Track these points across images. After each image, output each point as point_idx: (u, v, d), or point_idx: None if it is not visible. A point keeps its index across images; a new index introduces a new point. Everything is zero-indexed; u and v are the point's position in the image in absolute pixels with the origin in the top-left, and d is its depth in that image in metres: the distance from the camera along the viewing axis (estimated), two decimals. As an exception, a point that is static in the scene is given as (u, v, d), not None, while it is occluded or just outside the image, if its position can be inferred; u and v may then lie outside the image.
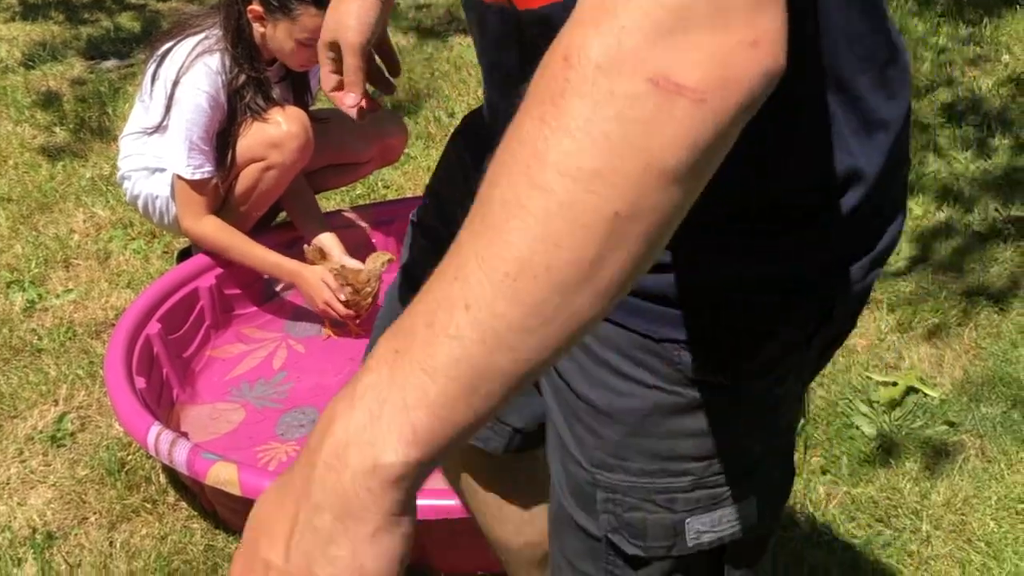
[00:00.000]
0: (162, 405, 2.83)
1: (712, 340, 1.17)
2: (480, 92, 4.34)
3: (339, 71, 1.50)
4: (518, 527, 1.77)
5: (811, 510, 2.56)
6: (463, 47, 4.70)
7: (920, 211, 3.52)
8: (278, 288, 3.27)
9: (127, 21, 5.04)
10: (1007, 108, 4.02)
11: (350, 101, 1.49)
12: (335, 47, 1.49)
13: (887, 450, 2.70)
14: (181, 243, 3.49)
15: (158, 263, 3.46)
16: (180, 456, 2.43)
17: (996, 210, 3.51)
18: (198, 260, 3.15)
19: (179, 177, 3.04)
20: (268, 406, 2.92)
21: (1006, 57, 4.33)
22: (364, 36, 1.47)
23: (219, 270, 3.14)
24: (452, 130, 4.01)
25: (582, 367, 1.21)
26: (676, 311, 1.16)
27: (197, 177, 3.02)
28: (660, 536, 1.24)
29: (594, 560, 1.29)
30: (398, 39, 4.76)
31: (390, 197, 3.71)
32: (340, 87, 1.50)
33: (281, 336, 3.16)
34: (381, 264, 3.08)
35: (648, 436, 1.21)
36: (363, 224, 3.37)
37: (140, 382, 2.73)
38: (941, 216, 3.50)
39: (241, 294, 3.20)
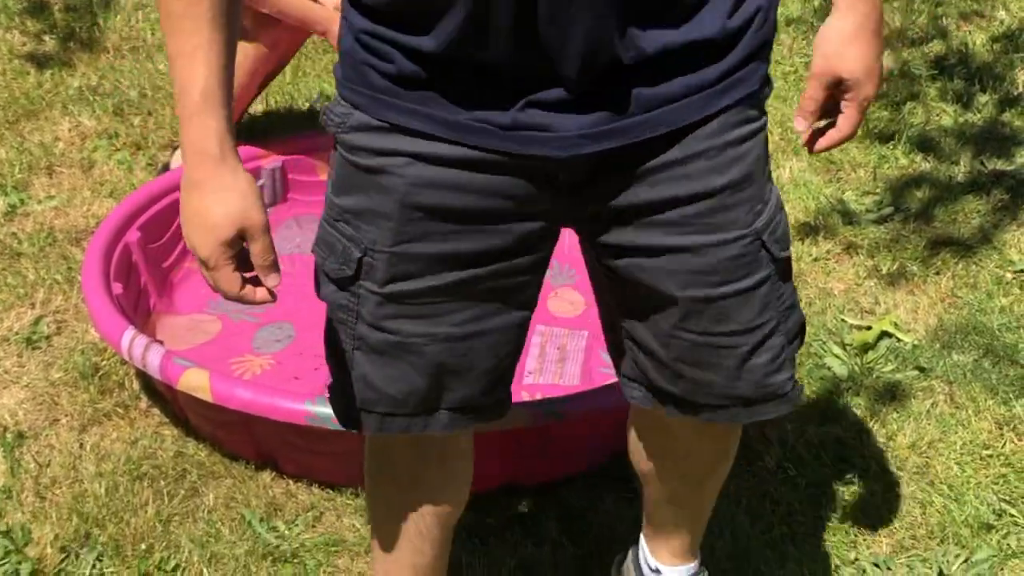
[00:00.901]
0: (139, 312, 2.84)
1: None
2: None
3: (242, 267, 1.47)
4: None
5: (779, 447, 2.57)
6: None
7: (905, 160, 3.52)
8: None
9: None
10: (996, 63, 4.00)
11: (273, 282, 1.50)
12: (237, 240, 1.44)
13: (856, 392, 2.72)
14: (165, 156, 3.48)
15: (142, 174, 3.45)
16: (153, 361, 2.44)
17: (981, 163, 3.51)
18: (179, 172, 3.13)
19: None
20: (245, 319, 2.92)
21: (1002, 13, 4.30)
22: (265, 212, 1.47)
23: (202, 183, 3.13)
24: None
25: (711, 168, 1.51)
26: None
27: None
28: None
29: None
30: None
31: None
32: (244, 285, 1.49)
33: (261, 252, 3.16)
34: None
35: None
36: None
37: (117, 288, 2.73)
38: (925, 166, 3.50)
39: (223, 208, 3.18)
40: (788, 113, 3.74)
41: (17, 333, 2.87)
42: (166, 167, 3.33)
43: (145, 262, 2.93)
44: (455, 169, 1.46)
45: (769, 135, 3.61)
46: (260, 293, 1.49)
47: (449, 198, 1.48)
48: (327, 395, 1.78)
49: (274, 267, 1.47)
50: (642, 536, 2.12)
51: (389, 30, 1.42)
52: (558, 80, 1.39)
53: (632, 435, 1.96)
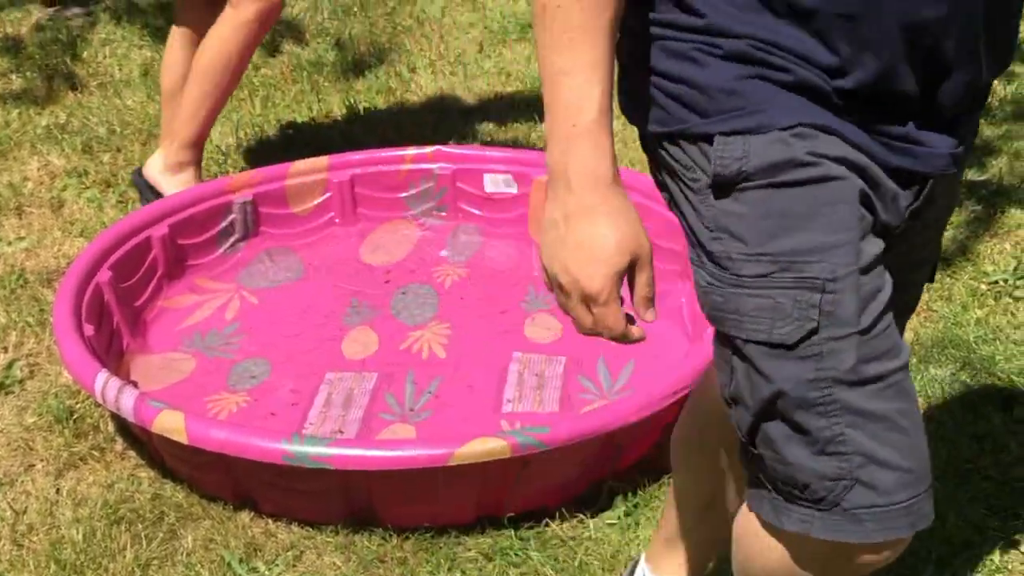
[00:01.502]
0: (112, 354, 2.81)
1: None
2: (442, 48, 4.34)
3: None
4: None
5: (758, 468, 2.56)
6: (426, 2, 4.65)
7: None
8: (233, 238, 3.23)
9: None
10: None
11: (652, 316, 1.37)
12: (627, 270, 1.33)
13: (835, 410, 2.71)
14: (135, 194, 3.46)
15: (112, 212, 3.42)
16: (127, 404, 2.42)
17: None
18: (151, 209, 3.11)
19: None
20: (220, 356, 2.90)
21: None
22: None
23: (173, 219, 3.11)
24: (412, 85, 3.97)
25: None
26: None
27: None
28: None
29: None
30: (361, -7, 4.73)
31: (348, 151, 3.65)
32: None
33: (235, 287, 3.13)
34: None
35: None
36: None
37: (89, 329, 2.71)
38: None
39: (195, 244, 3.16)
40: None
41: (-11, 378, 2.85)
42: (151, 189, 3.31)
43: (117, 302, 2.90)
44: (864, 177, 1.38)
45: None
46: (638, 330, 1.37)
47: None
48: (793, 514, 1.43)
49: (653, 300, 1.37)
50: (646, 556, 2.09)
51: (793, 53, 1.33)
52: (936, 107, 1.38)
53: (697, 418, 1.89)
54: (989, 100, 3.79)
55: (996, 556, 2.35)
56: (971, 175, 3.49)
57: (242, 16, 3.24)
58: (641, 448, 2.55)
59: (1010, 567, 2.33)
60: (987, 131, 3.71)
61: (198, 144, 3.37)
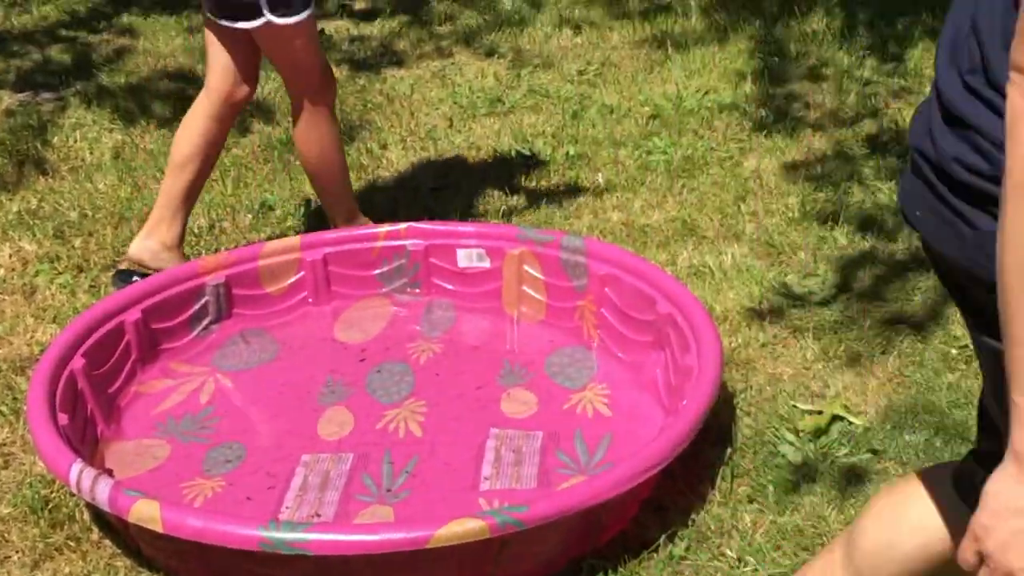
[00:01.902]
0: (86, 442, 2.79)
1: None
2: (412, 124, 4.36)
3: None
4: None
5: (738, 538, 2.55)
6: (395, 79, 4.68)
7: (845, 240, 3.54)
8: (206, 320, 3.22)
9: (58, 54, 4.98)
10: (929, 139, 4.06)
11: None
12: None
13: (812, 478, 2.70)
14: (107, 277, 3.45)
15: (84, 297, 3.40)
16: (102, 493, 2.40)
17: (919, 241, 3.53)
18: (123, 294, 3.10)
19: None
20: (194, 441, 2.87)
21: (928, 89, 4.37)
22: None
23: (145, 304, 3.10)
24: (383, 161, 3.96)
25: None
26: None
27: None
28: None
29: None
30: (338, 67, 4.73)
31: (320, 230, 3.65)
32: None
33: (209, 370, 3.12)
34: None
35: None
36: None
37: (63, 419, 2.68)
38: (865, 245, 3.52)
39: (168, 328, 3.15)
40: (726, 199, 3.76)
41: (-37, 469, 2.82)
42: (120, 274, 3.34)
43: (91, 389, 2.88)
44: None
45: (709, 221, 3.66)
46: None
47: None
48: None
49: None
50: None
51: None
52: None
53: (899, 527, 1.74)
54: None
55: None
56: (938, 239, 3.52)
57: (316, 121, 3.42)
58: (620, 523, 2.55)
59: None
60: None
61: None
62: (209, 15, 3.28)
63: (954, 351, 3.07)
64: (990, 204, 1.31)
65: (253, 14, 3.18)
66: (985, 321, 1.38)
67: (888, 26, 4.86)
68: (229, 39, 3.29)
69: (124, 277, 3.41)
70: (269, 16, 3.16)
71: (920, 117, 1.54)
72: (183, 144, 3.39)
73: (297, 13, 3.18)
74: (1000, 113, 1.28)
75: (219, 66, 3.36)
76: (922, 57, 4.61)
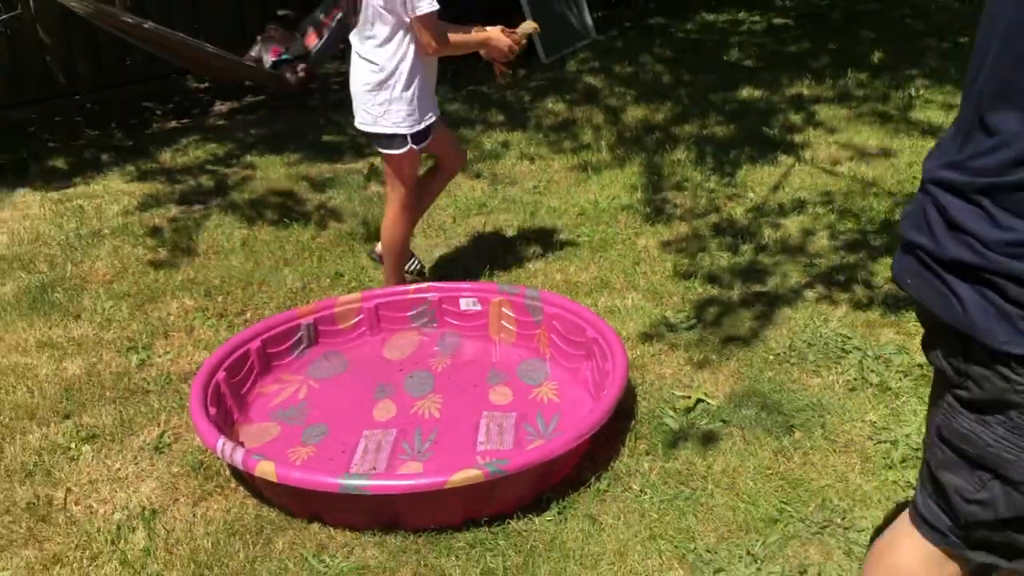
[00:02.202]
0: (227, 424, 2.77)
1: None
2: (429, 220, 4.37)
3: None
4: None
5: (640, 477, 2.55)
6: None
7: (701, 289, 3.55)
8: (302, 347, 3.21)
9: (205, 181, 4.98)
10: (751, 225, 4.09)
11: None
12: None
13: (686, 438, 2.71)
14: (240, 320, 3.44)
15: (224, 333, 3.39)
16: (238, 458, 2.39)
17: (747, 288, 3.56)
18: (249, 331, 3.08)
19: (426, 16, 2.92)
20: (296, 423, 2.86)
21: (751, 194, 4.42)
22: None
23: (263, 336, 3.08)
24: (412, 245, 3.90)
25: None
26: None
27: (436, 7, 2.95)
28: None
29: None
30: (376, 189, 4.75)
31: (373, 288, 3.65)
32: None
33: (304, 378, 3.10)
34: (530, 29, 3.30)
35: None
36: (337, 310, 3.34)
37: (212, 411, 2.67)
38: (712, 292, 3.53)
39: (278, 351, 3.13)
40: (627, 265, 3.77)
41: (149, 444, 2.79)
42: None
43: (229, 391, 2.87)
44: None
45: (617, 278, 3.67)
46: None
47: None
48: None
49: None
50: None
51: None
52: None
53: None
54: (761, 239, 3.89)
55: (791, 528, 2.35)
56: (756, 288, 3.54)
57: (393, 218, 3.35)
58: (566, 469, 2.54)
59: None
60: (764, 260, 3.77)
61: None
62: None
63: (771, 357, 3.08)
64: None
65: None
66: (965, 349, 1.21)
67: (724, 155, 4.91)
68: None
69: (373, 256, 3.65)
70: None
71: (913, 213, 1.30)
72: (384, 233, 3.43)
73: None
74: None
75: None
76: (745, 175, 4.65)
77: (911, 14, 8.21)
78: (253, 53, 6.27)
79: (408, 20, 2.95)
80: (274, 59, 6.25)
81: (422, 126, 3.12)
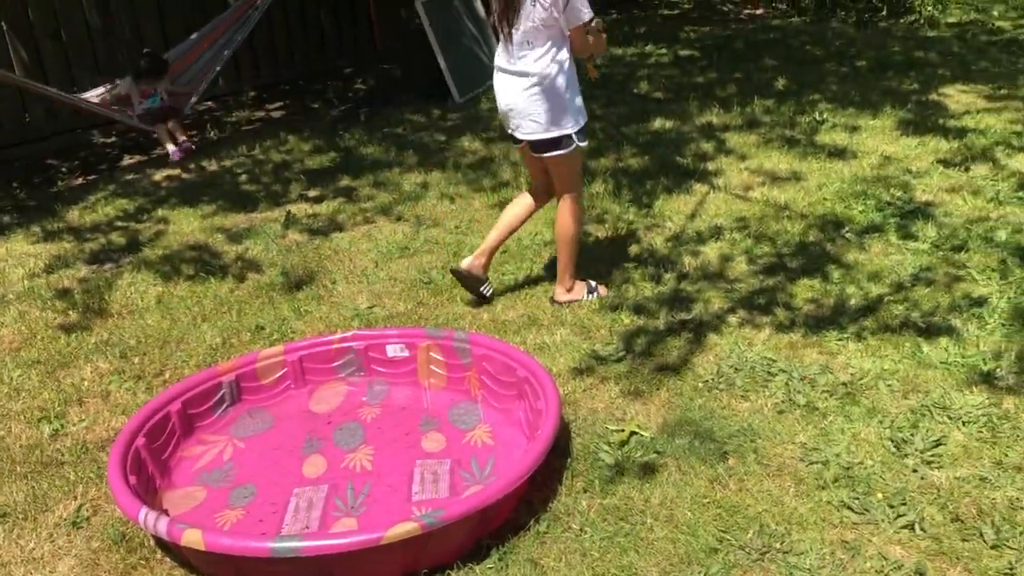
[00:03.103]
0: (149, 492, 2.65)
1: None
2: (351, 266, 4.30)
3: None
4: None
5: (579, 516, 2.52)
6: (339, 239, 4.63)
7: (628, 320, 3.57)
8: (224, 405, 3.11)
9: (116, 238, 4.82)
10: (671, 254, 4.15)
11: None
12: None
13: (622, 473, 2.70)
14: (159, 381, 3.32)
15: (143, 396, 3.26)
16: (162, 527, 2.29)
17: (672, 316, 3.58)
18: (168, 393, 2.97)
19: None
20: (222, 486, 2.76)
21: (669, 223, 4.48)
22: None
23: (184, 397, 2.98)
24: (334, 292, 3.88)
25: None
26: None
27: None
28: None
29: None
30: (295, 237, 4.67)
31: (296, 340, 3.57)
32: None
33: (228, 438, 3.00)
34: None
35: None
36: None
37: (132, 479, 2.55)
38: (640, 323, 3.55)
39: (199, 412, 3.03)
40: (544, 300, 3.77)
41: (66, 519, 2.65)
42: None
43: (151, 457, 2.75)
44: None
45: (544, 314, 3.66)
46: None
47: None
48: None
49: None
50: None
51: None
52: None
53: None
54: (682, 268, 3.93)
55: (731, 557, 2.35)
56: (681, 316, 3.57)
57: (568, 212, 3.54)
58: (504, 514, 2.50)
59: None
60: (687, 288, 3.81)
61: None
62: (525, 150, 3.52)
63: (700, 385, 3.10)
64: None
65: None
66: None
67: (640, 186, 4.98)
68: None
69: (455, 272, 3.67)
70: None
71: None
72: (506, 215, 3.65)
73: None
74: None
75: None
76: (662, 205, 4.72)
77: (810, 41, 8.53)
78: (122, 91, 6.19)
79: (567, 32, 3.25)
80: (144, 101, 6.17)
81: (583, 123, 3.39)
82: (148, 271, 4.33)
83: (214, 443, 2.97)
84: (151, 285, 4.19)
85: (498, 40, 3.37)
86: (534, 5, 3.18)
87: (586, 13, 3.21)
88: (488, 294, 3.74)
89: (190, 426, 2.99)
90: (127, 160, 6.32)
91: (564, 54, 3.28)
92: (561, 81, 3.29)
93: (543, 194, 3.67)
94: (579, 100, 3.37)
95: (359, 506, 2.61)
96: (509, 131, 3.47)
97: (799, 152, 5.36)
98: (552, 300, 3.70)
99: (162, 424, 2.86)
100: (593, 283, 3.76)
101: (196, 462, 2.88)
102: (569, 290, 3.69)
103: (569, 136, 3.35)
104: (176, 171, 5.91)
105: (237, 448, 2.94)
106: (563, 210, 3.55)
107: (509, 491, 2.38)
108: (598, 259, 4.11)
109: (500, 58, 3.39)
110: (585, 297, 3.70)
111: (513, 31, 3.26)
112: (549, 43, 3.24)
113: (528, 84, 3.28)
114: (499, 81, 3.41)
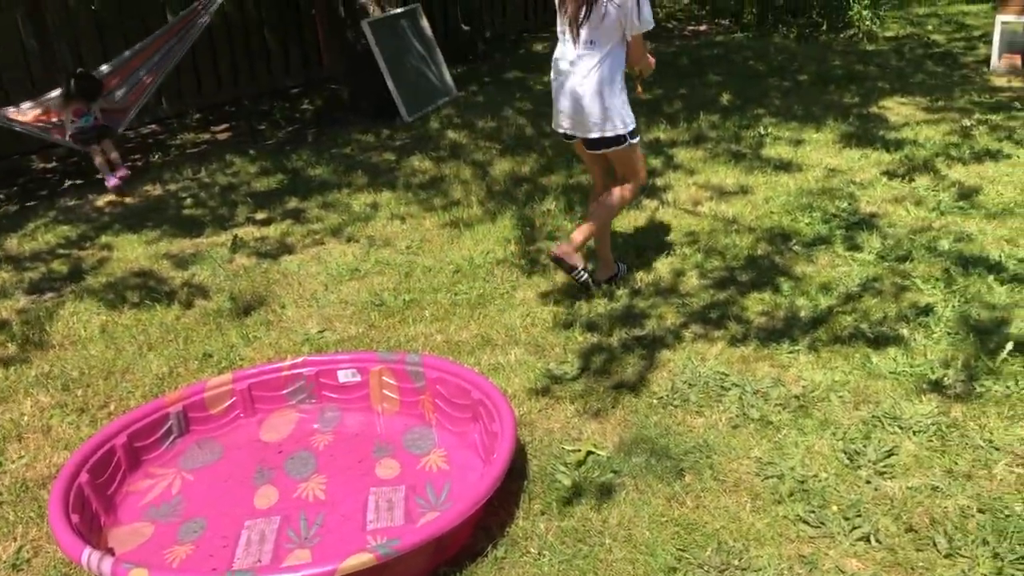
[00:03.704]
0: (93, 531, 2.57)
1: None
2: (300, 290, 4.24)
3: None
4: None
5: (537, 540, 2.50)
6: (288, 262, 4.56)
7: (581, 338, 3.56)
8: (172, 437, 3.03)
9: (58, 266, 4.69)
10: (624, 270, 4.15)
11: None
12: None
13: (580, 494, 2.67)
14: (103, 414, 3.22)
15: (87, 430, 3.16)
16: (106, 568, 2.21)
17: (625, 332, 3.59)
18: (113, 425, 2.89)
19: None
20: (171, 520, 2.68)
21: (620, 240, 4.48)
22: None
23: (130, 430, 2.90)
24: (284, 317, 3.81)
25: None
26: None
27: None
28: None
29: None
30: (243, 261, 4.59)
31: (245, 368, 3.50)
32: None
33: (176, 470, 2.92)
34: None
35: None
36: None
37: (75, 518, 2.47)
38: (594, 340, 3.54)
39: (146, 445, 2.95)
40: (508, 320, 3.75)
41: (5, 562, 2.55)
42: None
43: (94, 493, 2.66)
44: None
45: (498, 334, 3.64)
46: None
47: None
48: None
49: None
50: None
51: None
52: None
53: None
54: (635, 284, 3.93)
55: None
56: (634, 332, 3.57)
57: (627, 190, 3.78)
58: (461, 540, 2.46)
59: None
60: (639, 304, 3.82)
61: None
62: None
63: (655, 402, 3.09)
64: None
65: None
66: None
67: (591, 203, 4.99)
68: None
69: (556, 260, 3.73)
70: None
71: None
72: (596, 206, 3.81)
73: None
74: None
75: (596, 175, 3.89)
76: (614, 221, 4.71)
77: (753, 56, 8.67)
78: (53, 109, 6.04)
79: (629, 37, 3.49)
80: (76, 121, 6.03)
81: (632, 125, 3.64)
82: (91, 300, 4.22)
83: (162, 476, 2.89)
84: (94, 314, 4.08)
85: (563, 41, 3.58)
86: (606, 6, 3.41)
87: (651, 22, 3.47)
88: (583, 279, 3.84)
89: (136, 459, 2.91)
90: (68, 185, 6.17)
91: (621, 59, 3.53)
92: (616, 83, 3.53)
93: (602, 192, 3.87)
94: (627, 103, 3.62)
95: (312, 537, 2.55)
96: (561, 130, 3.70)
97: (745, 166, 5.43)
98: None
99: (107, 458, 2.78)
100: (624, 266, 4.03)
101: (143, 497, 2.79)
102: (607, 264, 3.93)
103: (623, 136, 3.62)
104: (119, 196, 5.78)
105: (186, 481, 2.86)
106: (616, 190, 3.78)
107: (466, 517, 2.34)
108: (553, 276, 4.10)
109: (562, 58, 3.59)
110: (579, 274, 3.81)
111: (580, 31, 3.48)
112: (610, 46, 3.48)
113: (587, 83, 3.51)
114: (558, 80, 3.63)
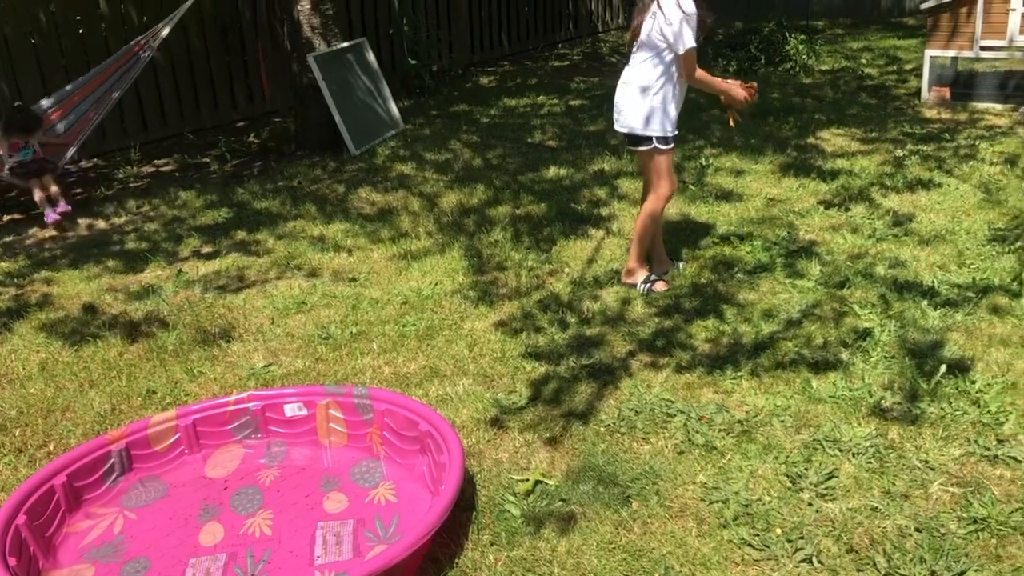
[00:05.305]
0: (31, 574, 2.50)
1: None
2: (246, 323, 4.19)
3: None
4: None
5: (487, 571, 2.49)
6: (233, 296, 4.52)
7: (530, 368, 3.58)
8: (114, 475, 2.96)
9: (-6, 302, 4.59)
10: (573, 297, 4.19)
11: None
12: None
13: (528, 523, 2.68)
14: (43, 454, 3.14)
15: (24, 470, 3.08)
16: (44, 612, 2.14)
17: (576, 361, 3.62)
18: (52, 465, 2.82)
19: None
20: (112, 561, 2.62)
21: (567, 269, 4.54)
22: None
23: (69, 470, 2.83)
24: (229, 352, 3.78)
25: None
26: None
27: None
28: None
29: None
30: (187, 295, 4.53)
31: (189, 404, 3.45)
32: None
33: (118, 509, 2.86)
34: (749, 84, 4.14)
35: None
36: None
37: (12, 561, 2.40)
38: (543, 370, 3.56)
39: (87, 484, 2.88)
40: (456, 350, 3.76)
41: (-64, 609, 2.46)
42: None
43: (32, 536, 2.60)
44: None
45: (446, 365, 3.64)
46: None
47: None
48: None
49: None
50: None
51: None
52: None
53: None
54: (584, 312, 3.98)
55: (639, 601, 2.34)
56: (584, 361, 3.60)
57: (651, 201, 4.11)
58: (411, 572, 2.45)
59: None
60: (589, 331, 3.86)
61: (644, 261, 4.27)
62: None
63: (602, 429, 3.12)
64: None
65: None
66: None
67: (539, 233, 5.04)
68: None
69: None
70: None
71: None
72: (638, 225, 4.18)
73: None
74: None
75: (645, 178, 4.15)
76: (561, 251, 4.79)
77: (692, 90, 8.86)
78: None
79: (675, 51, 3.85)
80: (15, 155, 5.93)
81: (668, 134, 3.97)
82: (30, 336, 4.12)
83: (103, 516, 2.82)
84: (33, 351, 3.99)
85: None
86: (653, 20, 3.84)
87: (683, 45, 3.80)
88: (671, 273, 4.28)
89: (77, 499, 2.84)
90: (6, 220, 6.04)
91: (665, 69, 3.88)
92: (656, 89, 3.90)
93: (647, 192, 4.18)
94: (673, 114, 3.96)
95: (260, 574, 2.51)
96: (616, 127, 4.08)
97: (688, 196, 5.53)
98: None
99: (45, 499, 2.72)
100: (654, 276, 4.23)
101: (84, 537, 2.73)
102: (631, 272, 4.22)
103: (650, 138, 3.95)
104: (59, 232, 5.68)
105: (128, 520, 2.81)
106: (646, 203, 4.11)
107: (414, 549, 2.33)
108: (501, 305, 4.12)
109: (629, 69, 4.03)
110: (639, 287, 4.17)
111: (635, 41, 3.95)
112: (653, 54, 3.89)
113: (630, 84, 3.96)
114: (623, 80, 4.04)
